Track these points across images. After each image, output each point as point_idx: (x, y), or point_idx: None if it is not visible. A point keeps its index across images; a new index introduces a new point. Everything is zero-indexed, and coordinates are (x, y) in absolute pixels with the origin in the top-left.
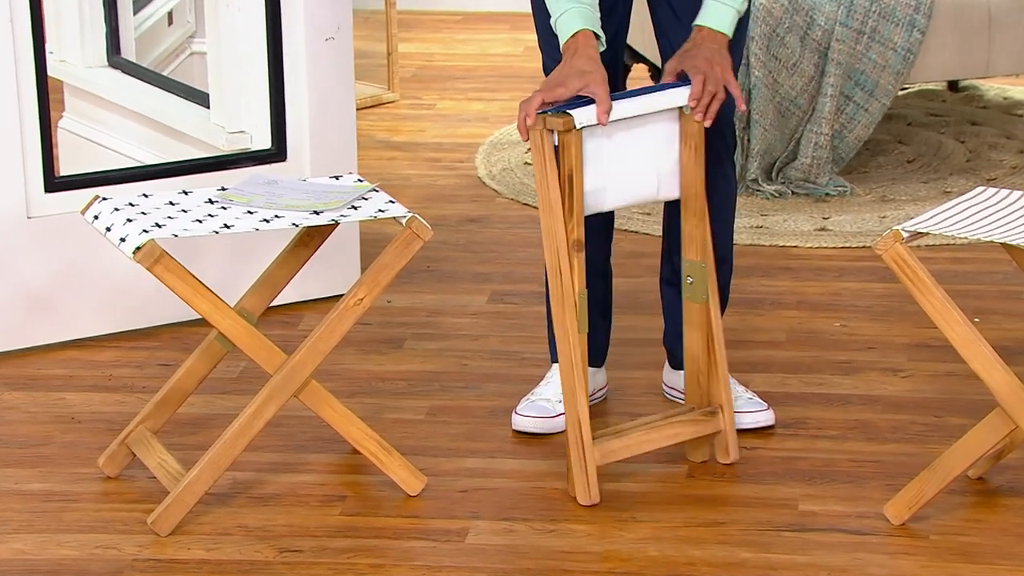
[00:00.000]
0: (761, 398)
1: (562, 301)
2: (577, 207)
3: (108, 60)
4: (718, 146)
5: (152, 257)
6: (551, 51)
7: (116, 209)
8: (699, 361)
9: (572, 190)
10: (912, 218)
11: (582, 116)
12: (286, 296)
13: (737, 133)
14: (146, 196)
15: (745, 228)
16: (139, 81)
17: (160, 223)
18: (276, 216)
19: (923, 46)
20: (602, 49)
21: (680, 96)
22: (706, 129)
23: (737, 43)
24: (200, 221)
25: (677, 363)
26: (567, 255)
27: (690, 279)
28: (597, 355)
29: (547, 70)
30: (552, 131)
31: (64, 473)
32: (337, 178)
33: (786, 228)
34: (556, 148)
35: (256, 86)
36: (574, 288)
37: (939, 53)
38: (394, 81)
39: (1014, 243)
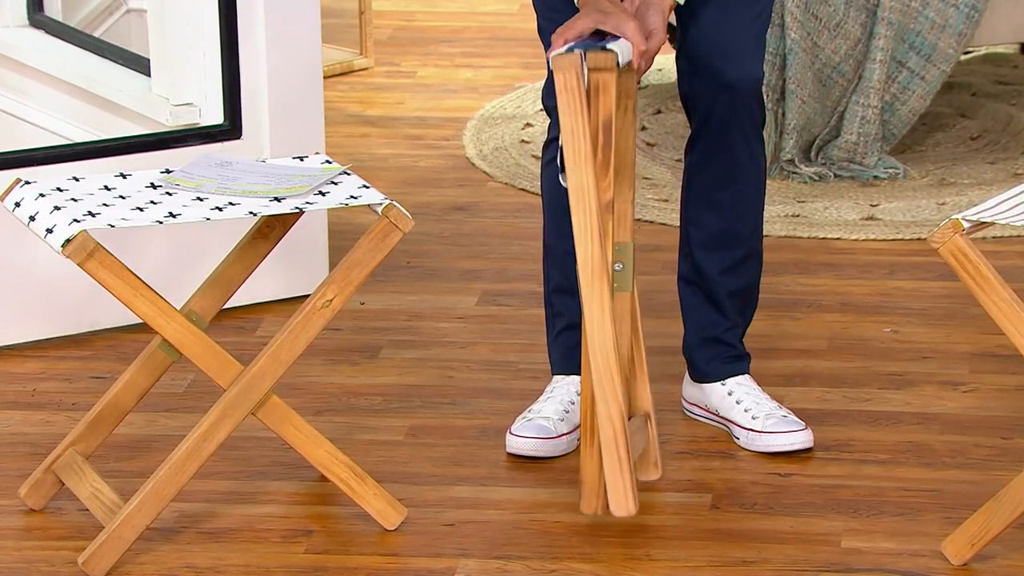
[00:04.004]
0: (797, 416)
1: (591, 273)
2: (613, 162)
3: (29, 18)
4: (743, 120)
5: (84, 251)
6: (546, 11)
7: (41, 195)
8: (630, 362)
9: (608, 142)
10: (975, 205)
11: (624, 52)
12: (241, 297)
13: (769, 105)
14: (77, 180)
15: (779, 217)
16: (66, 43)
17: (94, 211)
18: (230, 203)
19: (991, 2)
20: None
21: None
22: (729, 101)
23: (766, 0)
24: (141, 209)
25: (699, 375)
26: (599, 219)
27: (619, 265)
28: None
29: (542, 32)
30: (586, 70)
31: None
32: (301, 159)
33: (827, 217)
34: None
35: (206, 50)
36: (607, 259)
37: (1010, 11)
38: (367, 45)
39: None
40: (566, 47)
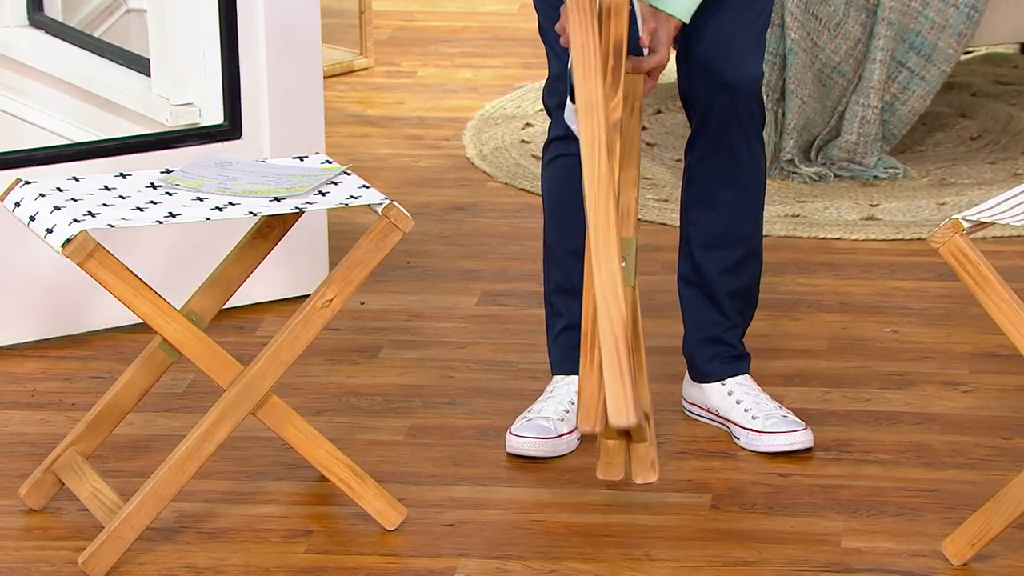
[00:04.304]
0: (797, 416)
1: (598, 185)
2: (622, 82)
3: (29, 18)
4: (743, 120)
5: (84, 251)
6: (547, 11)
7: (42, 195)
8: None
9: (618, 64)
10: (975, 205)
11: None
12: (241, 297)
13: (769, 105)
14: (77, 180)
15: (778, 217)
16: (66, 43)
17: (94, 211)
18: (230, 203)
19: (991, 2)
20: None
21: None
22: (729, 101)
23: (766, 0)
24: (141, 209)
25: (699, 375)
26: (607, 133)
27: (624, 260)
28: None
29: (543, 32)
30: None
31: None
32: (301, 159)
33: (827, 217)
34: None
35: (206, 50)
36: (614, 174)
37: (1010, 11)
38: (368, 44)
39: None
40: None
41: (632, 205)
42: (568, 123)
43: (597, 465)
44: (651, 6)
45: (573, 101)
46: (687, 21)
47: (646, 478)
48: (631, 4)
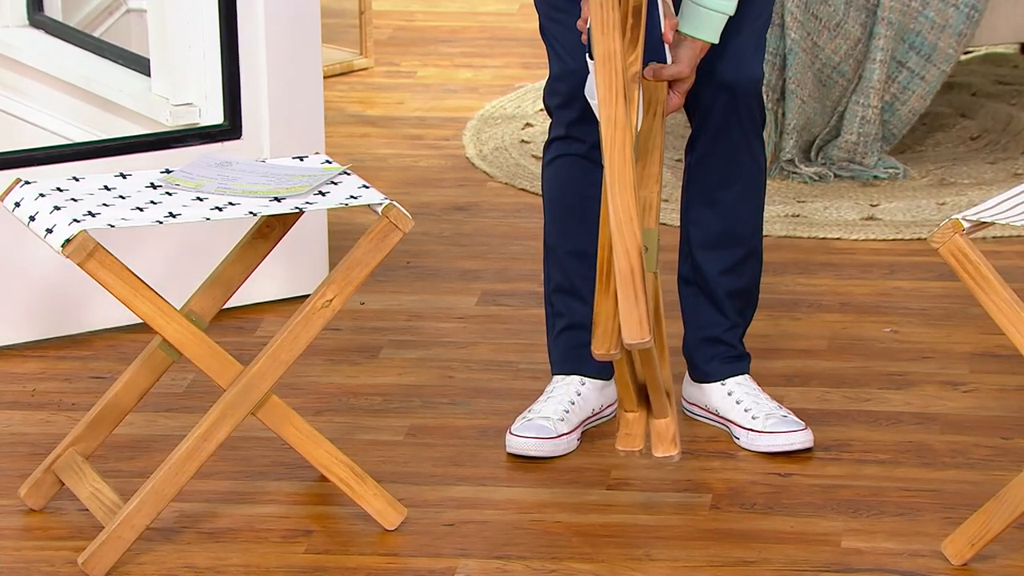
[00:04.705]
0: (797, 416)
1: (615, 126)
2: (640, 40)
3: (29, 18)
4: (743, 120)
5: (84, 251)
6: (548, 11)
7: (41, 195)
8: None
9: (637, 24)
10: (975, 205)
11: None
12: (241, 297)
13: (769, 105)
14: (77, 180)
15: (779, 217)
16: (66, 43)
17: (94, 211)
18: (230, 203)
19: (991, 2)
20: None
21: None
22: (729, 101)
23: (766, 1)
24: (141, 209)
25: (699, 375)
26: (624, 81)
27: (647, 248)
28: (607, 365)
29: (543, 32)
30: None
31: None
32: (301, 159)
33: (827, 217)
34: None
35: (206, 50)
36: (632, 121)
37: (1010, 11)
38: (367, 45)
39: None
40: None
41: (654, 200)
42: (588, 98)
43: (616, 436)
44: (679, 32)
45: (591, 58)
46: (716, 42)
47: (667, 451)
48: (655, 2)
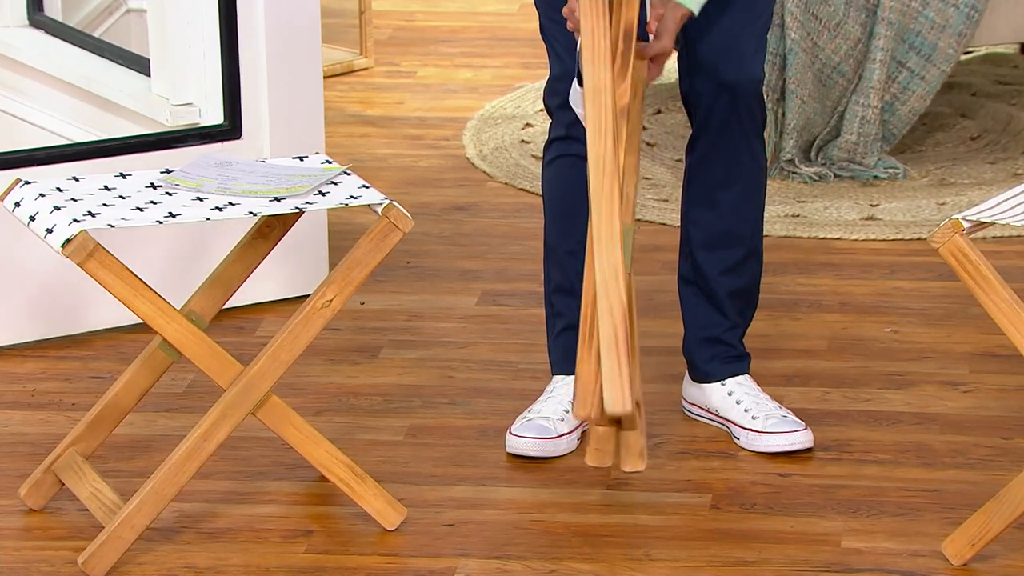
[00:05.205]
0: (797, 416)
1: (603, 172)
2: (632, 68)
3: (29, 18)
4: (744, 120)
5: (84, 251)
6: (548, 11)
7: (41, 195)
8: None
9: (628, 49)
10: (975, 205)
11: None
12: (241, 297)
13: (769, 105)
14: (77, 180)
15: (779, 217)
16: (66, 43)
17: (94, 211)
18: (230, 203)
19: (991, 2)
20: None
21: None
22: (730, 101)
23: (767, 1)
24: (141, 209)
25: (699, 375)
26: (614, 119)
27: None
28: None
29: (543, 32)
30: None
31: None
32: (301, 159)
33: (827, 217)
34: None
35: (206, 50)
36: (619, 160)
37: (1010, 11)
38: (367, 45)
39: None
40: None
41: (632, 192)
42: (574, 107)
43: (586, 452)
44: None
45: (580, 84)
46: (696, 13)
47: (634, 466)
48: None
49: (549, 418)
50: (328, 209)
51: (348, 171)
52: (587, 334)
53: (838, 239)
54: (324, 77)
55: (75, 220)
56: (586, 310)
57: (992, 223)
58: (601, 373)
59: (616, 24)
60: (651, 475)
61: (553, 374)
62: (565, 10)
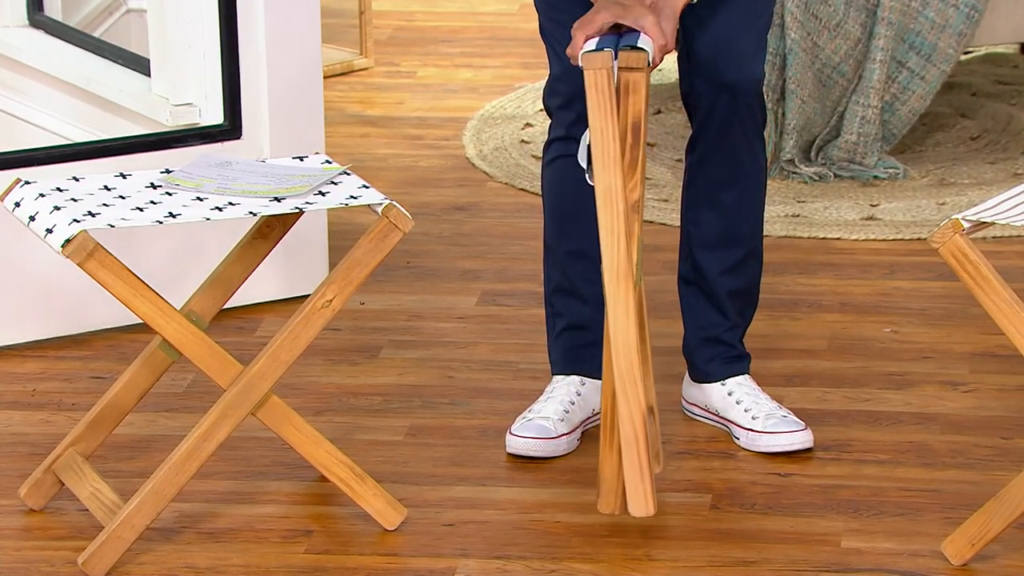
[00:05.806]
0: (797, 416)
1: (616, 275)
2: (641, 162)
3: (29, 18)
4: (744, 120)
5: (84, 251)
6: (548, 11)
7: (41, 195)
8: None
9: (637, 142)
10: (975, 205)
11: (647, 48)
12: (241, 297)
13: (769, 105)
14: (77, 180)
15: (779, 217)
16: (66, 43)
17: (94, 211)
18: (230, 203)
19: (991, 3)
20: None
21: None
22: (730, 101)
23: (768, 1)
24: (141, 209)
25: (699, 375)
26: (626, 221)
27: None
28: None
29: (543, 32)
30: (616, 69)
31: None
32: (301, 159)
33: (827, 217)
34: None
35: (206, 50)
36: (633, 261)
37: (1010, 11)
38: (367, 45)
39: None
40: (592, 44)
41: (639, 203)
42: (581, 161)
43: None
44: None
45: (588, 168)
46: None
47: (655, 468)
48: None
49: (549, 418)
50: (328, 209)
51: (348, 171)
52: (608, 429)
53: (838, 239)
54: (324, 77)
55: (75, 220)
56: (605, 404)
57: (992, 223)
58: (623, 475)
59: (624, 116)
60: None
61: (553, 374)
62: (568, 50)
